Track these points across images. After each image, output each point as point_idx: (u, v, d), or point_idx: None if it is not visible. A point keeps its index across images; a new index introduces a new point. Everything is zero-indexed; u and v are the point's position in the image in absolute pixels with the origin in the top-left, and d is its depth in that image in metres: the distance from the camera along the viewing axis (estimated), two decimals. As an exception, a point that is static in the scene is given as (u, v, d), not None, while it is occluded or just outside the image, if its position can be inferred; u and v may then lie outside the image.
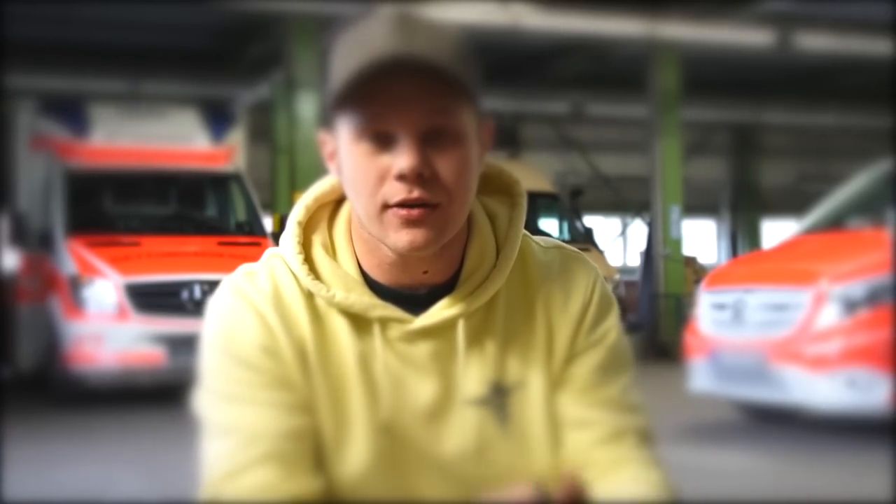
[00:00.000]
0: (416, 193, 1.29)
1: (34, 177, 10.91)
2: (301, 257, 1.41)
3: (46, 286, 9.95)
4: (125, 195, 10.93)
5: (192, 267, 9.54)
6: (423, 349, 1.40)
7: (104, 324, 9.30)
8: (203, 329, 1.42)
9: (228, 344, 1.39)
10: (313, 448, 1.38)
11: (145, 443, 7.63)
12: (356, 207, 1.35)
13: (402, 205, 1.29)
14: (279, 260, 1.43)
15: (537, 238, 1.50)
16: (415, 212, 1.29)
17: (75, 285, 9.41)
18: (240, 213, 11.17)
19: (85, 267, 9.50)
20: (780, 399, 7.34)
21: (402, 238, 1.31)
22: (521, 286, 1.44)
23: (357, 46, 1.28)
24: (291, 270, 1.41)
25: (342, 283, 1.39)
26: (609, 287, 1.50)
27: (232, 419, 1.37)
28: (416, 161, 1.28)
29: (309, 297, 1.40)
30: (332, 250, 1.42)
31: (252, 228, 10.62)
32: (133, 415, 9.01)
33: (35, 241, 10.35)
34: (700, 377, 7.76)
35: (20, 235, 10.58)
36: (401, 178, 1.28)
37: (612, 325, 1.47)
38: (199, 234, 10.40)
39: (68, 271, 9.54)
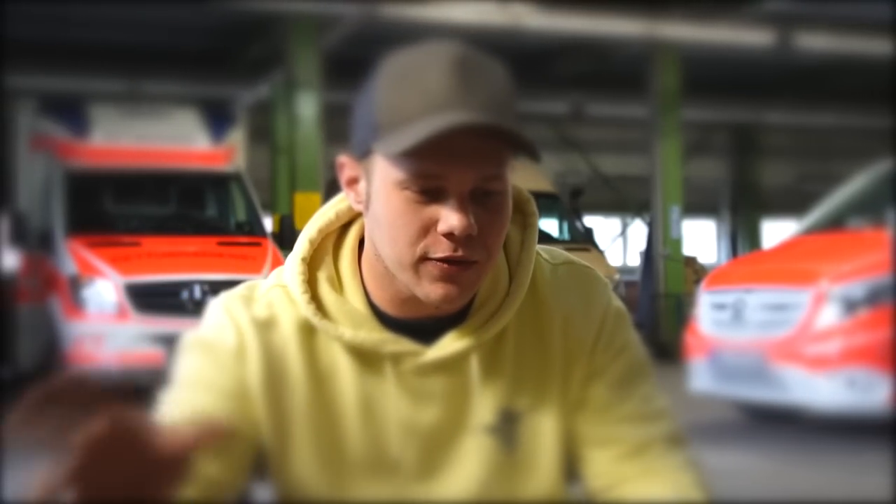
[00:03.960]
0: (460, 252, 1.24)
1: (34, 177, 10.90)
2: (307, 296, 1.34)
3: (46, 286, 9.93)
4: (125, 195, 10.91)
5: (192, 267, 9.54)
6: (435, 381, 1.36)
7: (104, 324, 9.29)
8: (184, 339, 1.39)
9: (204, 348, 1.37)
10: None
11: (145, 443, 7.61)
12: (385, 252, 1.28)
13: (442, 260, 1.25)
14: (280, 292, 1.37)
15: (544, 251, 1.44)
16: (454, 268, 1.25)
17: (75, 285, 9.41)
18: (240, 213, 11.16)
19: (85, 267, 9.50)
20: (780, 399, 7.34)
21: (437, 291, 1.26)
22: (532, 309, 1.39)
23: (412, 88, 1.21)
24: (294, 304, 1.36)
25: (350, 320, 1.34)
26: (618, 296, 1.47)
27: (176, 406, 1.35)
28: (468, 222, 1.22)
29: (305, 331, 1.36)
30: (338, 284, 1.37)
31: (252, 228, 10.62)
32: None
33: (35, 241, 10.34)
34: (700, 377, 7.75)
35: (20, 235, 10.57)
36: (448, 236, 1.23)
37: (629, 337, 1.43)
38: (199, 234, 10.38)
39: (68, 271, 9.54)
